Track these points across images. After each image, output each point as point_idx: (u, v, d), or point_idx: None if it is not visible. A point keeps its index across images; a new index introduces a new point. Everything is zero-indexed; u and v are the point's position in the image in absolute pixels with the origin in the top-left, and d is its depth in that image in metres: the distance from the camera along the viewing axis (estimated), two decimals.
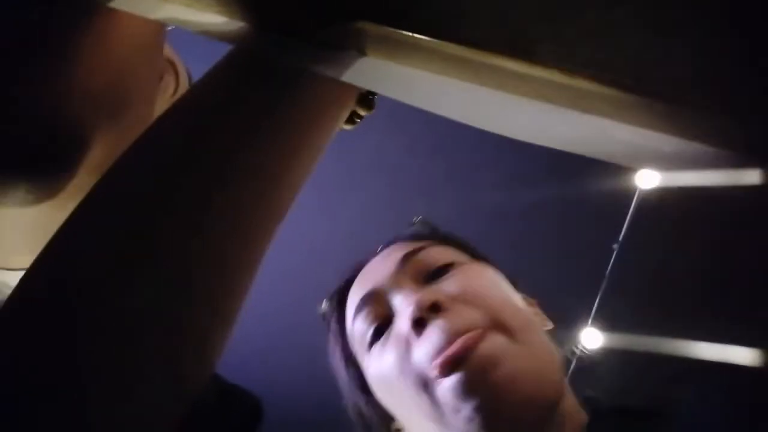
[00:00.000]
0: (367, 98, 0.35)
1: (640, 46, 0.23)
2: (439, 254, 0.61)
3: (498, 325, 0.52)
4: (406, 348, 0.54)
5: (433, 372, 0.51)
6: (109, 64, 0.38)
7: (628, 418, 0.54)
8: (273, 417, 0.42)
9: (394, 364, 0.55)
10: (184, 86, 0.87)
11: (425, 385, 0.52)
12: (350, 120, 0.35)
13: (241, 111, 0.29)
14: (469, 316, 0.52)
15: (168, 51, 0.80)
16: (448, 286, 0.56)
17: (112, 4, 0.33)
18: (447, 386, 0.50)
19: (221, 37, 0.30)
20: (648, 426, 0.54)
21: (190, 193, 0.28)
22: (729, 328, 1.58)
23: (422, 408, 0.53)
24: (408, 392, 0.53)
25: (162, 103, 0.84)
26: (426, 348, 0.52)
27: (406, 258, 0.60)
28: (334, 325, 0.66)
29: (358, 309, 0.60)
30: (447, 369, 0.50)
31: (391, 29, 0.26)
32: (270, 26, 0.29)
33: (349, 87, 0.30)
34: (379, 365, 0.57)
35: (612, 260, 1.76)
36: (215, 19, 0.29)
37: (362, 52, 0.28)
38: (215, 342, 0.29)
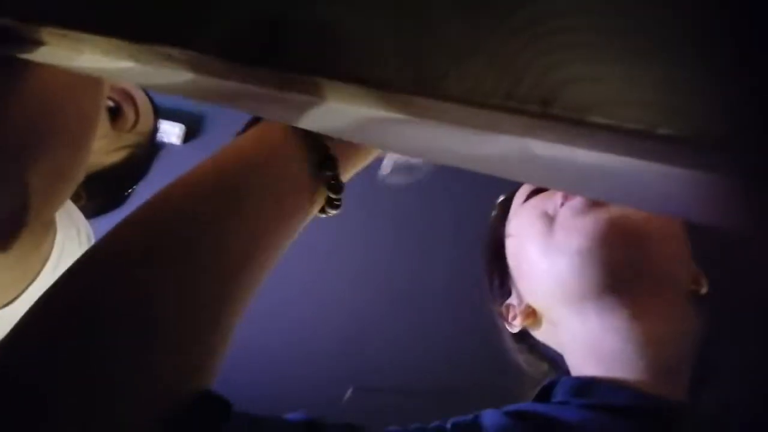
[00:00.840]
0: (333, 202, 0.38)
1: (543, 72, 0.23)
2: None
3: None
4: (550, 196, 0.59)
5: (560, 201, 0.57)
6: (31, 107, 0.39)
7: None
8: None
9: (532, 203, 0.61)
10: (145, 115, 0.86)
11: (546, 216, 0.57)
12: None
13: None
14: None
15: (125, 83, 0.79)
16: None
17: (30, 57, 0.32)
18: (569, 204, 0.56)
19: (157, 89, 0.30)
20: None
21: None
22: None
23: (536, 233, 0.57)
24: (531, 221, 0.59)
25: (122, 134, 0.83)
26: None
27: None
28: (494, 220, 0.69)
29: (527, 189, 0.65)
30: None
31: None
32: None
33: (307, 194, 0.36)
34: (522, 207, 0.62)
35: None
36: (131, 66, 0.29)
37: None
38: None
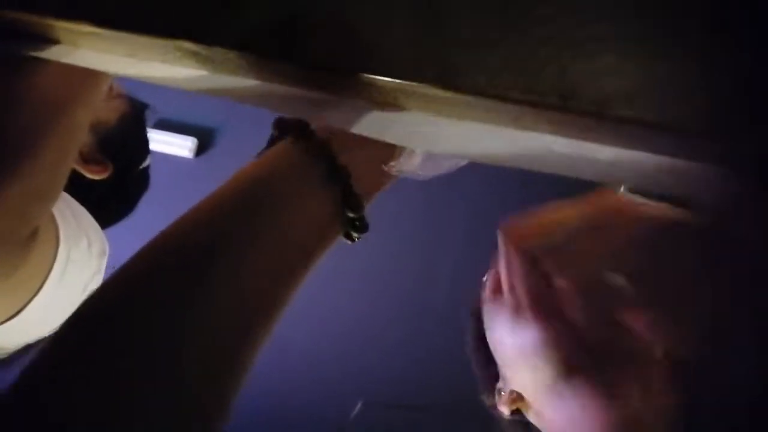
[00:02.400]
0: (355, 224, 0.36)
1: (563, 66, 0.23)
2: None
3: None
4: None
5: None
6: (24, 118, 0.38)
7: None
8: None
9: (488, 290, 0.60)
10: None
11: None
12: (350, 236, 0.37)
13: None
14: None
15: None
16: None
17: (36, 54, 0.32)
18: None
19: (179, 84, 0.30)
20: None
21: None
22: None
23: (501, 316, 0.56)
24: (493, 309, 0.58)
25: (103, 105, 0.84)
26: None
27: None
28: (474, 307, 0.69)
29: None
30: None
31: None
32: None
33: (331, 222, 0.35)
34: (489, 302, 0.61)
35: None
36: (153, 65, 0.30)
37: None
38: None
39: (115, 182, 0.83)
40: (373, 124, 0.28)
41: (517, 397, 0.59)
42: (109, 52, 0.31)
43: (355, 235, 0.37)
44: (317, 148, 0.34)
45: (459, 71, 0.24)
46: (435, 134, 0.28)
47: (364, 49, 0.26)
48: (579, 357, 0.50)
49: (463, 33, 0.24)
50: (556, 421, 0.54)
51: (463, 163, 0.38)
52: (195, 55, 0.28)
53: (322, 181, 0.34)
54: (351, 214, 0.35)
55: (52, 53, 0.31)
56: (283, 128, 0.36)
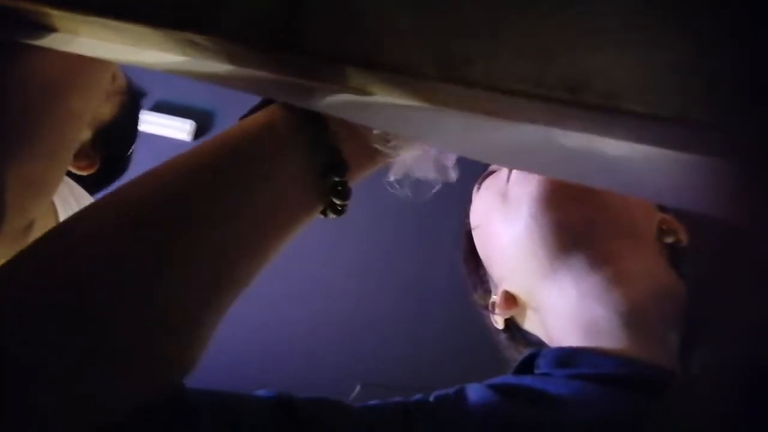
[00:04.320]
0: (337, 190, 0.35)
1: (572, 59, 0.23)
2: None
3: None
4: (498, 175, 0.61)
5: None
6: (18, 104, 0.38)
7: None
8: None
9: (484, 186, 0.63)
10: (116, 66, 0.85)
11: (499, 193, 0.59)
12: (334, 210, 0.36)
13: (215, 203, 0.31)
14: None
15: None
16: None
17: (37, 43, 0.32)
18: (514, 174, 0.57)
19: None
20: None
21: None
22: None
23: (494, 210, 0.59)
24: (486, 202, 0.61)
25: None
26: None
27: None
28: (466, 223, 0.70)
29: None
30: None
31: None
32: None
33: (310, 196, 0.34)
34: (477, 195, 0.64)
35: None
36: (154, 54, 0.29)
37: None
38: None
39: (100, 173, 0.82)
40: (367, 114, 0.27)
41: (510, 298, 0.59)
42: (107, 40, 0.30)
43: (337, 202, 0.36)
44: (307, 117, 0.33)
45: (465, 62, 0.24)
46: (433, 126, 0.27)
47: (363, 37, 0.25)
48: (570, 235, 0.52)
49: (469, 23, 0.23)
50: (554, 309, 0.54)
51: (441, 182, 0.39)
52: (193, 44, 0.27)
53: (306, 148, 0.34)
54: (336, 179, 0.34)
55: (50, 41, 0.30)
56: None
